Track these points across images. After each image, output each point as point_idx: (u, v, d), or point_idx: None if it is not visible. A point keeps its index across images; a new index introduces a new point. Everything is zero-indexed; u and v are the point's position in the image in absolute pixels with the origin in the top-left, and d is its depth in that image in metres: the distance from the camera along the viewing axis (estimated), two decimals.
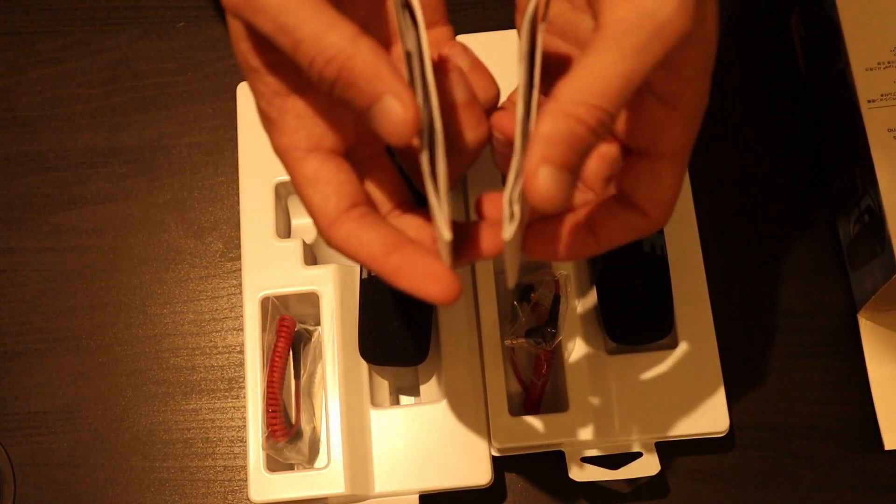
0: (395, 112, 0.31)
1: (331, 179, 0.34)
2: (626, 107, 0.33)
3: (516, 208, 0.32)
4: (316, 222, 0.34)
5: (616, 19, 0.30)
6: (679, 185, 0.36)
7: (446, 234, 0.32)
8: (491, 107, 0.40)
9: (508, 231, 0.32)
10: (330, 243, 0.34)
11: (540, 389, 0.53)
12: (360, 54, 0.31)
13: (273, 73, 0.33)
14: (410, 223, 0.37)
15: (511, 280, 0.37)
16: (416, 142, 0.33)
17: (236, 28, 0.33)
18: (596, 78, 0.30)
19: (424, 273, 0.33)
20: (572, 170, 0.31)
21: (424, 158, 0.32)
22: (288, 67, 0.33)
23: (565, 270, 0.53)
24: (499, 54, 0.58)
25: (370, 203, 0.36)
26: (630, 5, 0.30)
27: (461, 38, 0.58)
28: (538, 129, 0.30)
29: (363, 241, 0.34)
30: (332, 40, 0.31)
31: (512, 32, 0.59)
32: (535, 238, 0.37)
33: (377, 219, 0.35)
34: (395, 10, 0.34)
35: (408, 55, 0.33)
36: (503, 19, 0.65)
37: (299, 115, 0.34)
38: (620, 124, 0.36)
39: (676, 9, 0.30)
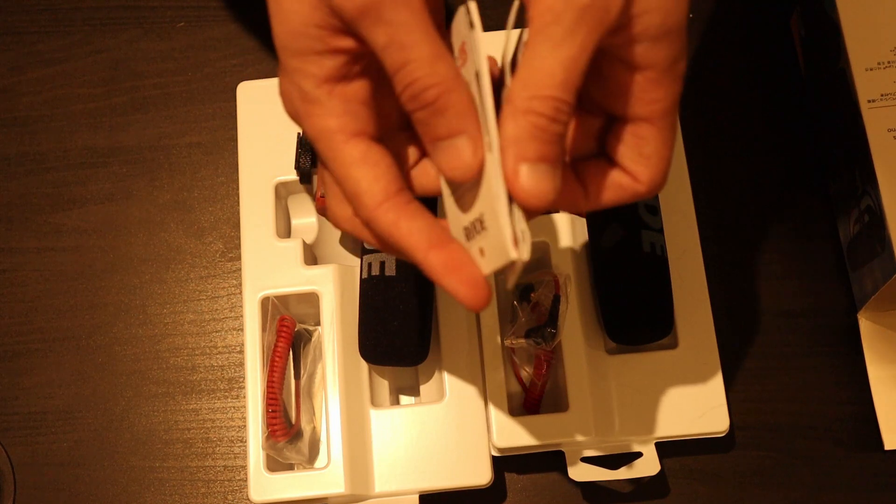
0: (466, 154, 0.33)
1: (378, 162, 0.34)
2: (595, 75, 0.34)
3: (524, 226, 0.32)
4: (360, 203, 0.34)
5: (542, 10, 0.31)
6: (666, 147, 0.35)
7: (513, 253, 0.32)
8: None
9: (525, 251, 0.32)
10: (374, 224, 0.35)
11: (540, 389, 0.53)
12: (459, 90, 0.32)
13: (334, 57, 0.34)
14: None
15: (511, 283, 0.37)
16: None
17: (314, 11, 0.33)
18: (537, 71, 0.31)
19: (465, 277, 0.34)
20: (550, 160, 0.32)
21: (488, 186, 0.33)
22: (351, 57, 0.34)
23: (565, 270, 0.53)
24: (499, 54, 0.58)
25: (408, 193, 0.36)
26: None
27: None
28: (503, 133, 0.32)
29: (411, 229, 0.34)
30: (439, 69, 0.32)
31: (513, 32, 0.58)
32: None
33: (420, 208, 0.35)
34: (458, 30, 0.35)
35: (476, 76, 0.34)
36: (503, 19, 0.64)
37: (347, 99, 0.34)
38: (596, 92, 0.36)
39: None
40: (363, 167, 0.34)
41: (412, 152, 0.37)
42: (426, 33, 0.32)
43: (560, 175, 0.33)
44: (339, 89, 0.34)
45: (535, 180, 0.32)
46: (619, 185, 0.36)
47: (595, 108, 0.37)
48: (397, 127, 0.37)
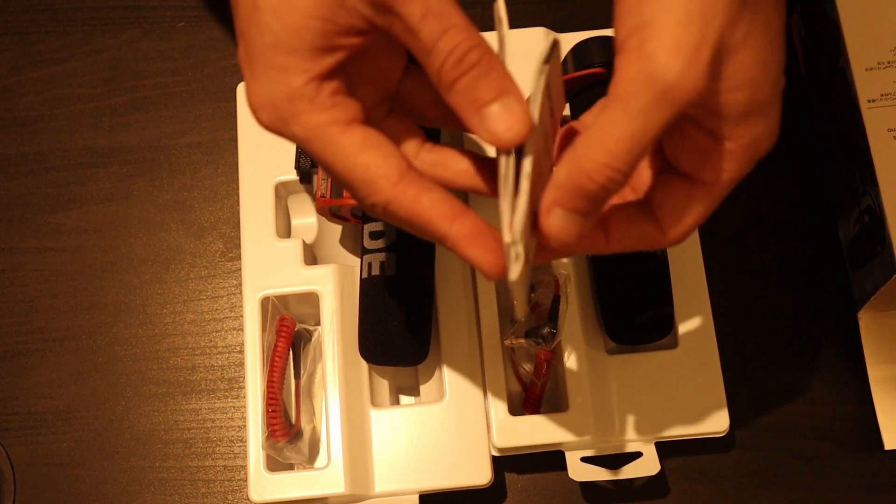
0: (518, 110, 0.32)
1: (381, 142, 0.34)
2: (675, 131, 0.34)
3: (520, 248, 0.32)
4: (377, 187, 0.34)
5: (625, 79, 0.31)
6: (706, 216, 0.35)
7: (507, 236, 0.32)
8: None
9: (514, 272, 0.32)
10: (392, 205, 0.34)
11: (540, 389, 0.53)
12: (495, 54, 0.33)
13: (333, 54, 0.33)
14: (443, 155, 0.38)
15: (520, 313, 0.37)
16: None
17: (322, 4, 0.32)
18: (605, 136, 0.31)
19: (488, 246, 0.34)
20: (584, 213, 0.32)
21: (505, 162, 0.33)
22: (351, 53, 0.34)
23: (565, 270, 0.53)
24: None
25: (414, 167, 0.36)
26: (638, 66, 0.30)
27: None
28: (556, 172, 0.32)
29: (433, 202, 0.34)
30: (476, 33, 0.32)
31: (513, 32, 0.59)
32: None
33: (433, 181, 0.35)
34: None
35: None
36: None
37: (334, 91, 0.34)
38: (668, 143, 0.36)
39: (682, 71, 0.30)
40: (369, 151, 0.34)
41: (406, 136, 0.37)
42: (455, 4, 0.32)
43: (589, 224, 0.33)
44: (326, 84, 0.34)
45: (562, 224, 0.32)
46: (643, 234, 0.36)
47: (660, 154, 0.36)
48: (372, 116, 0.37)
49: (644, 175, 0.38)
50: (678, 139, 0.35)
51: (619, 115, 0.31)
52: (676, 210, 0.35)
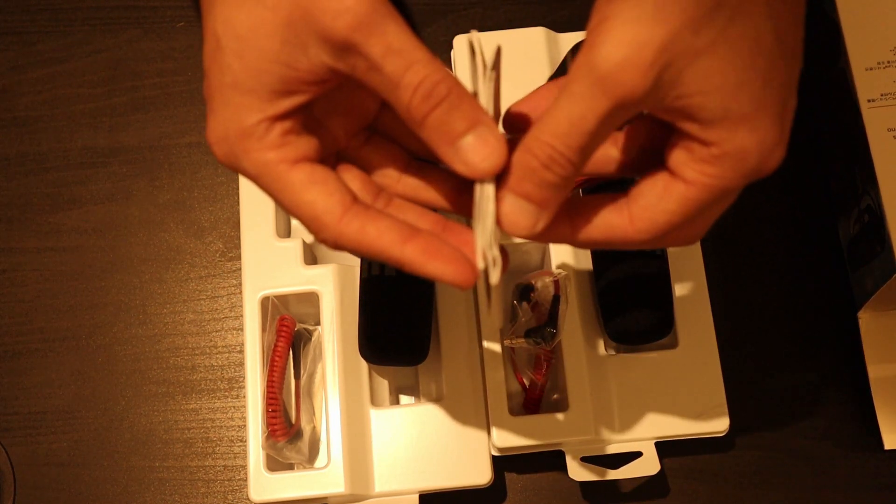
0: (492, 140, 0.33)
1: (326, 179, 0.34)
2: (664, 127, 0.34)
3: (495, 251, 0.33)
4: (322, 223, 0.34)
5: (572, 69, 0.31)
6: (678, 219, 0.34)
7: (479, 262, 0.33)
8: None
9: (494, 277, 0.33)
10: (342, 240, 0.34)
11: (540, 389, 0.53)
12: (463, 86, 0.33)
13: (290, 98, 0.34)
14: (428, 177, 0.38)
15: (498, 321, 0.38)
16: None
17: (283, 48, 0.33)
18: (547, 118, 0.32)
19: (446, 257, 0.34)
20: (535, 201, 0.33)
21: (480, 191, 0.33)
22: (309, 99, 0.34)
23: (565, 270, 0.53)
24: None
25: (362, 199, 0.36)
26: (583, 55, 0.31)
27: (461, 37, 0.58)
28: (511, 161, 0.33)
29: (380, 230, 0.34)
30: (441, 67, 0.32)
31: (513, 32, 0.59)
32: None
33: (380, 211, 0.35)
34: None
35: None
36: (503, 19, 0.65)
37: (285, 131, 0.34)
38: (662, 134, 0.35)
39: (620, 63, 0.30)
40: (313, 188, 0.34)
41: (386, 162, 0.38)
42: (416, 40, 0.32)
43: (544, 219, 0.33)
44: (278, 124, 0.34)
45: (514, 213, 0.33)
46: (611, 225, 0.35)
47: (653, 153, 0.36)
48: (350, 145, 0.38)
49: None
50: (672, 136, 0.34)
51: (562, 98, 0.31)
52: (651, 202, 0.34)
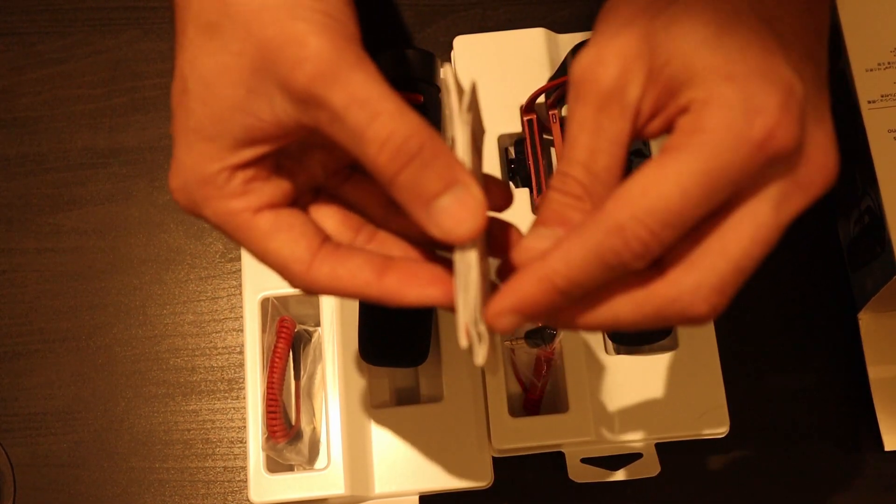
0: (471, 203, 0.30)
1: (292, 225, 0.33)
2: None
3: (482, 328, 0.30)
4: (291, 272, 0.33)
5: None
6: (677, 206, 0.29)
7: (463, 340, 0.30)
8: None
9: (480, 355, 0.30)
10: (314, 287, 0.33)
11: (540, 390, 0.53)
12: (440, 139, 0.30)
13: (253, 149, 0.32)
14: (387, 240, 0.35)
15: (493, 373, 0.35)
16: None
17: (248, 96, 0.31)
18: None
19: (427, 279, 0.32)
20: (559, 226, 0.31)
21: (460, 258, 0.30)
22: (273, 151, 0.32)
23: None
24: (499, 55, 0.58)
25: (333, 239, 0.34)
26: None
27: (461, 38, 0.58)
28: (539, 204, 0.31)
29: (352, 271, 0.32)
30: (411, 118, 0.29)
31: (513, 32, 0.59)
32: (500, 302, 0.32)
33: (351, 248, 0.33)
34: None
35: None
36: (503, 19, 0.65)
37: (248, 179, 0.32)
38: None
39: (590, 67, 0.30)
40: (278, 236, 0.32)
41: (369, 200, 0.36)
42: (386, 90, 0.30)
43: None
44: (240, 172, 0.32)
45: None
46: (636, 289, 0.31)
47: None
48: (325, 184, 0.35)
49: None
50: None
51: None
52: (640, 186, 0.29)
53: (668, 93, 0.30)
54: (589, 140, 0.30)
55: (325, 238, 0.33)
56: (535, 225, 0.32)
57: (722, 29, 0.29)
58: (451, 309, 0.31)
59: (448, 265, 0.32)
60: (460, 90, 0.31)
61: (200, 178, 0.32)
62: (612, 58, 0.30)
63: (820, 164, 0.31)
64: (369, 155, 0.30)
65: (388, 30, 0.65)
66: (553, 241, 0.31)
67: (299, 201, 0.35)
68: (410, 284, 0.32)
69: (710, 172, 0.29)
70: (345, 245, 0.34)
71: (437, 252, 0.35)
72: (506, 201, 0.35)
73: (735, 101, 0.29)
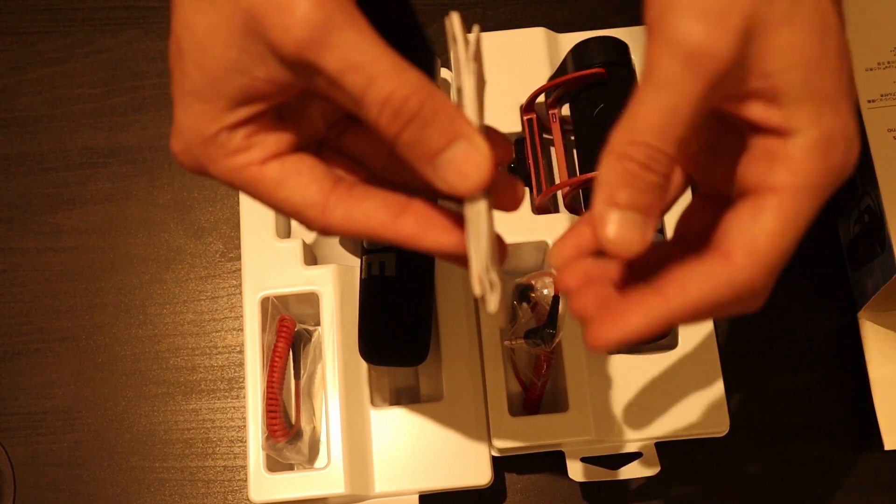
0: (475, 155, 0.30)
1: (300, 170, 0.33)
2: (724, 152, 0.32)
3: (493, 276, 0.30)
4: (307, 217, 0.33)
5: (650, 55, 0.29)
6: (779, 239, 0.31)
7: (476, 288, 0.30)
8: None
9: (493, 302, 0.30)
10: (330, 229, 0.33)
11: (540, 390, 0.53)
12: (439, 93, 0.30)
13: (250, 108, 0.32)
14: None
15: (502, 321, 0.35)
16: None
17: (241, 56, 0.31)
18: (636, 117, 0.29)
19: (441, 227, 0.32)
20: (642, 210, 0.30)
21: (471, 209, 0.31)
22: (269, 108, 0.32)
23: None
24: (499, 54, 0.58)
25: (346, 178, 0.34)
26: (662, 38, 0.28)
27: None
28: (597, 178, 0.30)
29: (367, 212, 0.32)
30: (410, 77, 0.29)
31: (513, 32, 0.59)
32: (599, 325, 0.32)
33: (367, 187, 0.33)
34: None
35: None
36: (503, 19, 0.65)
37: (249, 134, 0.32)
38: (721, 170, 0.33)
39: (707, 33, 0.28)
40: (287, 183, 0.32)
41: (370, 150, 0.35)
42: (382, 48, 0.29)
43: (651, 229, 0.30)
44: (240, 129, 0.32)
45: (622, 228, 0.29)
46: (706, 273, 0.32)
47: (710, 198, 0.34)
48: (326, 137, 0.35)
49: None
50: (745, 155, 0.32)
51: (646, 93, 0.29)
52: (743, 228, 0.31)
53: (750, 107, 0.30)
54: (687, 114, 0.29)
55: (338, 179, 0.33)
56: (621, 206, 0.30)
57: (822, 59, 0.29)
58: (461, 259, 0.32)
59: (452, 216, 0.32)
60: (466, 39, 0.31)
61: (201, 139, 0.32)
62: (734, 35, 0.28)
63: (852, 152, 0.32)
64: (370, 118, 0.30)
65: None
66: (643, 229, 0.30)
67: (305, 150, 0.34)
68: (427, 230, 0.32)
69: (802, 213, 0.32)
70: (359, 185, 0.33)
71: (440, 202, 0.35)
72: (507, 153, 0.35)
73: (822, 143, 0.30)
